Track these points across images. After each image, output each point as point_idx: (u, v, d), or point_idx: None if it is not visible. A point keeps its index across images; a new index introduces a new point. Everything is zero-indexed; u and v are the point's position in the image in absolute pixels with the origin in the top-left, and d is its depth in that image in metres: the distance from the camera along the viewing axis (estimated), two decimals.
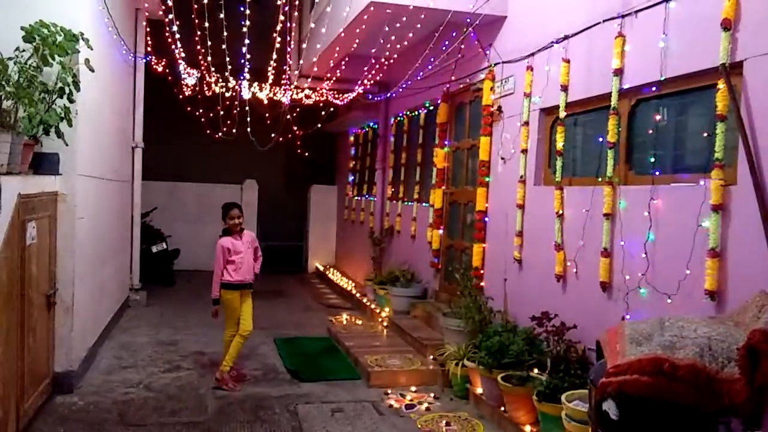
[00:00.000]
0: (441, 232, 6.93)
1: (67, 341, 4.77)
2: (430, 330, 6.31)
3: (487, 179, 5.94)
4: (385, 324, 7.07)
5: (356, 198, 10.90)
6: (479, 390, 4.79)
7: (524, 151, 5.32)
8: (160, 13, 7.41)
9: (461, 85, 6.58)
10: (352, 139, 11.45)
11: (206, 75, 8.18)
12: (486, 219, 5.94)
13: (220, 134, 8.72)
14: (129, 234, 8.28)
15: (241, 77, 7.98)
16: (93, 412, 4.43)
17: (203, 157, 12.07)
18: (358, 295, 8.78)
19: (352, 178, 11.32)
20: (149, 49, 8.10)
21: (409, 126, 8.39)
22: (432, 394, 5.15)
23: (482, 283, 5.87)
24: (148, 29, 7.94)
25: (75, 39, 4.25)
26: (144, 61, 8.11)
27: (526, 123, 5.32)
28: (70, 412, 4.40)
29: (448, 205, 6.94)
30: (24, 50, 3.98)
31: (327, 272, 11.32)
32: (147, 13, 8.08)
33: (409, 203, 8.09)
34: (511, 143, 5.56)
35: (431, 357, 5.67)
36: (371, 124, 10.01)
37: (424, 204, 7.59)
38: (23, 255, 3.82)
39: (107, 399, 4.71)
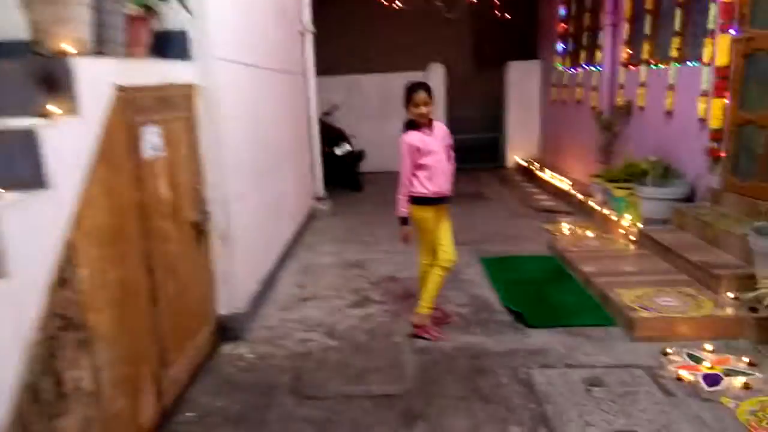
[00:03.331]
0: (727, 102, 4.58)
1: (230, 276, 3.79)
2: (715, 250, 4.24)
3: None
4: (632, 238, 5.12)
5: (571, 71, 8.58)
6: None
7: None
8: None
9: None
10: None
11: None
12: None
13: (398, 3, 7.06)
14: (307, 137, 7.27)
15: None
16: (261, 373, 3.40)
17: (382, 44, 10.54)
18: (579, 196, 6.86)
19: (564, 46, 8.92)
20: None
21: None
22: (743, 357, 3.27)
23: None
24: None
25: None
26: None
27: None
28: (235, 372, 3.41)
29: (743, 59, 4.49)
30: None
31: (532, 167, 9.43)
32: None
33: (661, 66, 5.72)
34: None
35: (730, 295, 3.70)
36: None
37: (690, 63, 5.20)
38: (140, 173, 2.71)
39: (281, 350, 3.68)
